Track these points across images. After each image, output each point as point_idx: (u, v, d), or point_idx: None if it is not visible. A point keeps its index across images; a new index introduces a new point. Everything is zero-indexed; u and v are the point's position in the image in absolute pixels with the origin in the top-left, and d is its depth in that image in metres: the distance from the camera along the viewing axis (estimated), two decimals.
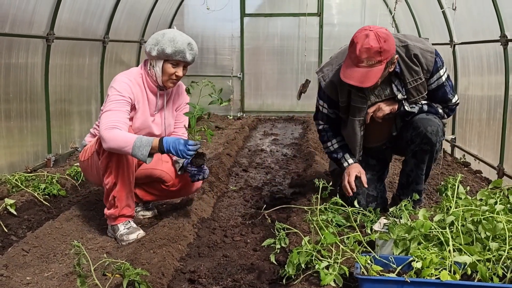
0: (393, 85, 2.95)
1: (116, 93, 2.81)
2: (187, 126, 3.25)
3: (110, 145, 2.67)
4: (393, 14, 6.59)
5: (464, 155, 5.16)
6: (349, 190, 3.04)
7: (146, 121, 2.98)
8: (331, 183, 2.60)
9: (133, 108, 2.89)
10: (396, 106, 2.97)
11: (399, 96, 2.95)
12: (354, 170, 3.09)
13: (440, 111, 3.04)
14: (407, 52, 2.89)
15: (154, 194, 3.29)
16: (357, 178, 3.07)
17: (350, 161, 3.14)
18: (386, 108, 2.96)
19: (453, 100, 3.05)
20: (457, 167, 4.89)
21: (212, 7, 7.66)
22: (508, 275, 1.94)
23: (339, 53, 3.11)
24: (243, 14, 8.29)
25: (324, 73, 3.08)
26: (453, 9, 4.28)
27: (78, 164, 4.30)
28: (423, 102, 3.00)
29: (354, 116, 3.03)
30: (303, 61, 8.20)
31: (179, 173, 3.10)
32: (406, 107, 2.96)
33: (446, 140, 5.43)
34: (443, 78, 2.96)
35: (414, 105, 2.98)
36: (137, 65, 5.03)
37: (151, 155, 2.67)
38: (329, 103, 3.15)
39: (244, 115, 8.53)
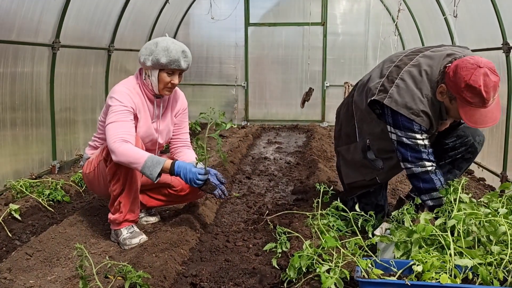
0: None
1: (118, 103, 2.82)
2: (188, 131, 3.30)
3: (120, 159, 2.71)
4: (395, 22, 6.63)
5: None
6: None
7: (149, 128, 3.01)
8: (332, 188, 2.60)
9: (135, 117, 2.92)
10: (452, 120, 2.93)
11: None
12: None
13: None
14: None
15: (159, 199, 3.30)
16: None
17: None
18: (447, 122, 2.92)
19: None
20: None
21: (217, 17, 7.72)
22: (509, 279, 1.93)
23: (409, 79, 2.72)
24: (247, 23, 8.35)
25: (413, 110, 2.66)
26: (454, 16, 4.31)
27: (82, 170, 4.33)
28: None
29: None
30: (307, 70, 8.24)
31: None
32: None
33: None
34: None
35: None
36: None
37: (159, 174, 2.71)
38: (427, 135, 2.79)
39: (248, 123, 8.55)
